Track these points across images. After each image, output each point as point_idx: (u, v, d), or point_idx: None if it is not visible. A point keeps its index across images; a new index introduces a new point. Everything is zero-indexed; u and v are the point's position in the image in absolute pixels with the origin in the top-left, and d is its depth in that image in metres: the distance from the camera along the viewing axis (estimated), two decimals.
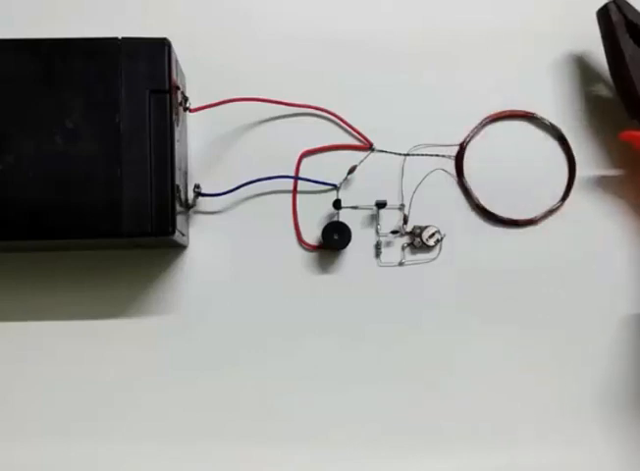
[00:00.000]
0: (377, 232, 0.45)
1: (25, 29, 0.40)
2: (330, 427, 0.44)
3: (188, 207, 0.43)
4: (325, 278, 0.45)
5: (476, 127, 0.46)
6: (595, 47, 0.45)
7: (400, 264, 0.45)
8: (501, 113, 0.46)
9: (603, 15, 0.43)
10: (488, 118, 0.46)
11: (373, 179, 0.45)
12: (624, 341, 0.45)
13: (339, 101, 0.45)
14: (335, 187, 0.45)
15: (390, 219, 0.45)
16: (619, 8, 0.43)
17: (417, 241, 0.45)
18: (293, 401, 0.44)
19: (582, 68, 0.47)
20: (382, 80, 0.46)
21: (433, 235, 0.45)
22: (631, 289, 0.45)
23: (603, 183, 0.46)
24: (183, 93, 0.42)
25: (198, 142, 0.45)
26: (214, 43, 0.45)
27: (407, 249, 0.45)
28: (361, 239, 0.45)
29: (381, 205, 0.45)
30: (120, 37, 0.38)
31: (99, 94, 0.38)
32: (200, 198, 0.43)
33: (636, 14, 0.43)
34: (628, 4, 0.43)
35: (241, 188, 0.44)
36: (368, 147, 0.45)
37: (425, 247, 0.45)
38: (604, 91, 0.46)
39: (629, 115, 0.44)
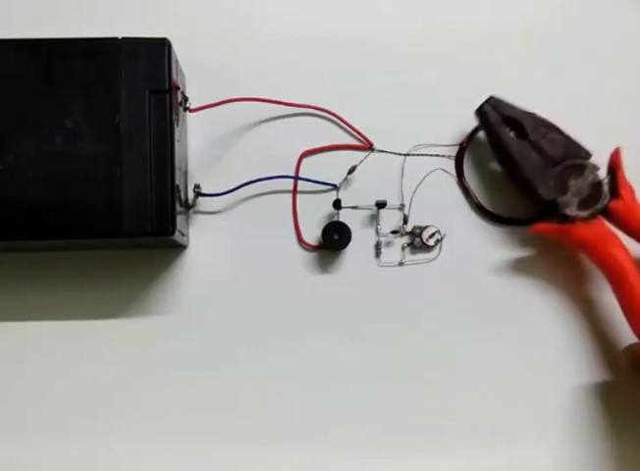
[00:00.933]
0: (377, 232, 0.45)
1: (25, 29, 0.40)
2: (330, 427, 0.44)
3: (188, 207, 0.43)
4: (325, 278, 0.45)
5: (476, 127, 0.46)
6: (595, 48, 0.45)
7: (400, 264, 0.45)
8: None
9: (481, 115, 0.43)
10: None
11: (373, 179, 0.45)
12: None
13: (339, 101, 0.45)
14: (335, 187, 0.45)
15: (390, 219, 0.45)
16: (494, 107, 0.43)
17: (417, 241, 0.45)
18: (293, 401, 0.44)
19: (582, 68, 0.47)
20: (382, 80, 0.46)
21: (433, 234, 0.45)
22: None
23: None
24: (183, 93, 0.42)
25: (198, 142, 0.45)
26: (214, 43, 0.45)
27: (407, 249, 0.45)
28: (361, 239, 0.45)
29: (381, 205, 0.45)
30: (120, 37, 0.38)
31: (99, 94, 0.38)
32: (200, 198, 0.43)
33: (512, 109, 0.43)
34: (503, 101, 0.43)
35: (241, 188, 0.44)
36: (368, 147, 0.45)
37: (425, 247, 0.45)
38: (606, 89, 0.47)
39: (529, 203, 0.44)
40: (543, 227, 0.43)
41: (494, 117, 0.43)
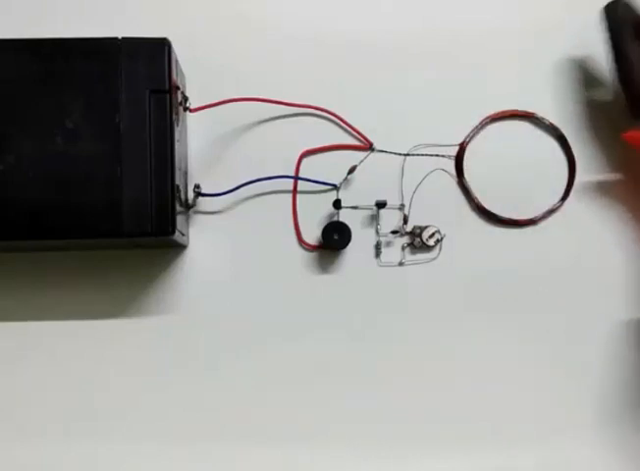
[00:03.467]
0: (377, 232, 0.45)
1: (25, 29, 0.40)
2: (330, 427, 0.44)
3: (188, 207, 0.43)
4: (325, 278, 0.45)
5: (476, 127, 0.46)
6: (595, 47, 0.45)
7: (400, 264, 0.45)
8: (501, 113, 0.46)
9: (610, 10, 0.43)
10: (488, 118, 0.46)
11: (373, 179, 0.45)
12: (623, 341, 0.45)
13: (339, 101, 0.45)
14: (335, 187, 0.45)
15: (390, 219, 0.45)
16: (628, 6, 0.42)
17: (417, 241, 0.45)
18: (294, 401, 0.44)
19: (582, 68, 0.47)
20: (382, 80, 0.46)
21: (433, 234, 0.45)
22: (630, 289, 0.45)
23: (603, 183, 0.46)
24: (183, 93, 0.42)
25: (198, 142, 0.45)
26: (214, 43, 0.45)
27: (407, 249, 0.45)
28: (361, 239, 0.45)
29: (381, 205, 0.45)
30: (120, 37, 0.38)
31: (99, 94, 0.38)
32: (200, 198, 0.43)
33: None
34: (635, 5, 0.43)
35: (241, 188, 0.44)
36: (368, 147, 0.45)
37: (425, 247, 0.45)
38: (604, 92, 0.46)
39: (632, 115, 0.44)
40: (636, 135, 0.42)
41: (624, 14, 0.42)
